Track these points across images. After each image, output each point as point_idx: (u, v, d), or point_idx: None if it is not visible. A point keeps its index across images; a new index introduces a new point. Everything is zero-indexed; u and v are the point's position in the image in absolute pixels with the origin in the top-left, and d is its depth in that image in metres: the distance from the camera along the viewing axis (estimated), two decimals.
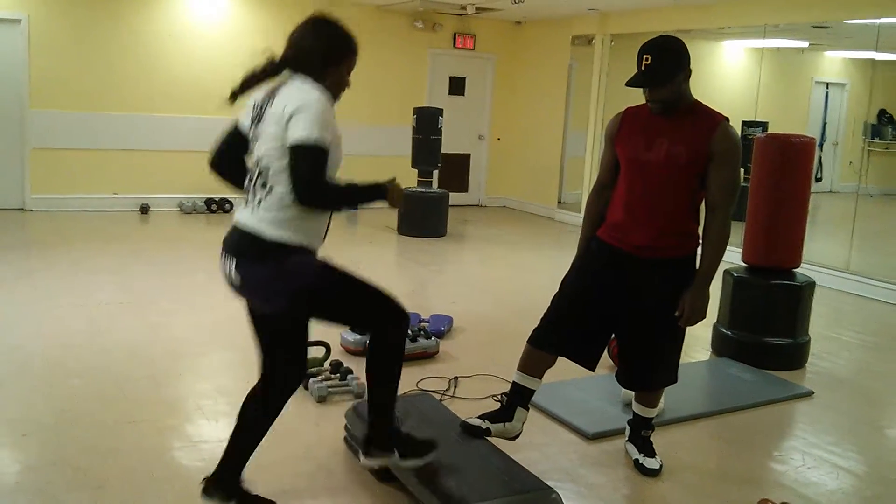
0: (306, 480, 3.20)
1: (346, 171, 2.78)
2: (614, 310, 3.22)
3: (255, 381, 2.85)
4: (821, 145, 9.43)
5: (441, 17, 10.83)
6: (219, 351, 4.77)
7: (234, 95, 2.62)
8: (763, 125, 8.51)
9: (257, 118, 2.61)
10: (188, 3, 9.42)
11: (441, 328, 5.10)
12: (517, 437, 3.31)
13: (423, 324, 5.12)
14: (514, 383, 3.33)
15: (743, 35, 9.19)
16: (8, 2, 8.60)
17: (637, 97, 3.17)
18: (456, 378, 4.40)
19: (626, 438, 3.62)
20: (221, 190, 9.44)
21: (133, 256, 7.07)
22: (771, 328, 4.94)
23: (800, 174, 4.98)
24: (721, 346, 5.13)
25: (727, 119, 3.09)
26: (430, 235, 8.89)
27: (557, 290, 3.33)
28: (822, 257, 7.53)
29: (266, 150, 2.55)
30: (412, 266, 7.68)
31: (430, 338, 4.76)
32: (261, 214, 2.56)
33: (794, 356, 4.98)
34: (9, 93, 8.78)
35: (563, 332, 3.26)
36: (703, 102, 3.15)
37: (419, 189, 9.09)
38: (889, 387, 4.93)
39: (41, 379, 4.14)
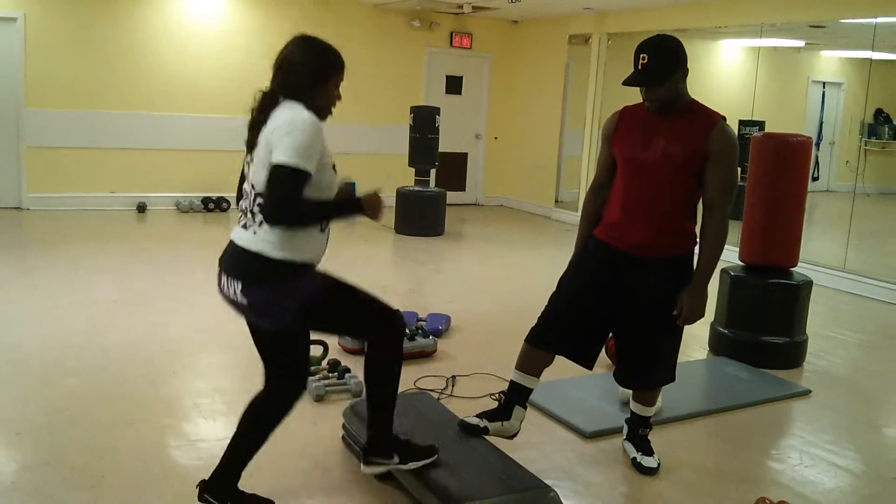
0: (303, 479, 3.20)
1: (343, 169, 2.79)
2: (612, 309, 3.23)
3: (259, 387, 2.86)
4: (817, 144, 9.44)
5: (438, 15, 10.83)
6: (217, 350, 4.77)
7: (250, 146, 2.63)
8: (760, 124, 8.52)
9: (251, 144, 2.63)
10: (185, 2, 9.40)
11: (439, 327, 5.10)
12: (515, 435, 3.32)
13: (420, 323, 5.12)
14: (511, 382, 3.33)
15: (740, 34, 9.20)
16: (4, 0, 8.58)
17: (634, 96, 3.17)
18: (454, 377, 4.40)
19: (624, 437, 3.62)
20: (219, 189, 9.55)
21: (130, 255, 7.06)
22: (768, 327, 4.94)
23: (796, 173, 4.99)
24: (718, 344, 5.14)
25: (724, 118, 3.09)
26: (427, 234, 8.89)
27: (555, 289, 3.33)
28: (819, 256, 7.54)
29: (256, 173, 2.57)
30: (409, 265, 7.68)
31: (428, 337, 4.76)
32: (263, 236, 2.56)
33: (792, 355, 4.99)
34: (5, 91, 8.76)
35: (561, 331, 3.26)
36: (700, 101, 3.15)
37: (416, 188, 9.10)
38: (886, 385, 4.94)
39: (39, 378, 4.13)
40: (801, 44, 9.42)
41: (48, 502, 2.92)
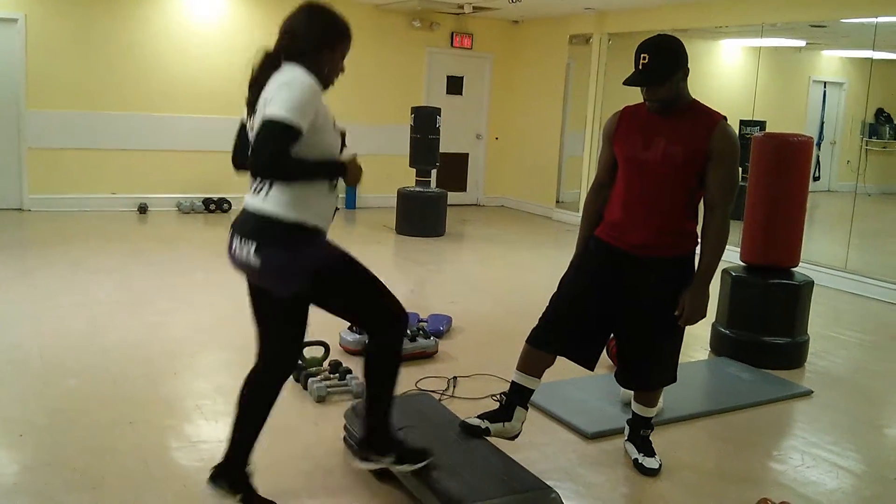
0: (305, 480, 3.19)
1: None
2: (613, 309, 3.22)
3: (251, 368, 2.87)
4: (818, 144, 9.44)
5: (438, 16, 10.83)
6: (217, 350, 4.77)
7: (250, 106, 2.63)
8: (761, 124, 8.51)
9: (253, 108, 2.61)
10: (186, 3, 9.41)
11: (440, 328, 5.10)
12: (516, 436, 3.31)
13: (421, 323, 5.12)
14: (513, 383, 3.33)
15: (740, 34, 9.19)
16: (5, 1, 8.59)
17: (635, 96, 3.17)
18: (455, 378, 4.40)
19: (626, 438, 3.62)
20: (220, 189, 9.55)
21: (131, 256, 7.06)
22: (769, 327, 4.94)
23: (797, 173, 4.98)
24: (720, 345, 5.13)
25: (725, 118, 3.09)
26: (428, 235, 8.89)
27: (556, 289, 3.32)
28: (821, 256, 7.54)
29: None
30: (410, 266, 7.68)
31: (429, 337, 4.76)
32: (274, 199, 2.56)
33: (793, 355, 4.98)
34: (6, 92, 8.76)
35: (562, 331, 3.25)
36: (701, 101, 3.15)
37: (417, 188, 9.09)
38: (888, 386, 4.93)
39: (39, 378, 4.13)
40: (802, 43, 9.42)
41: None
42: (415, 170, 9.11)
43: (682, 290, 3.11)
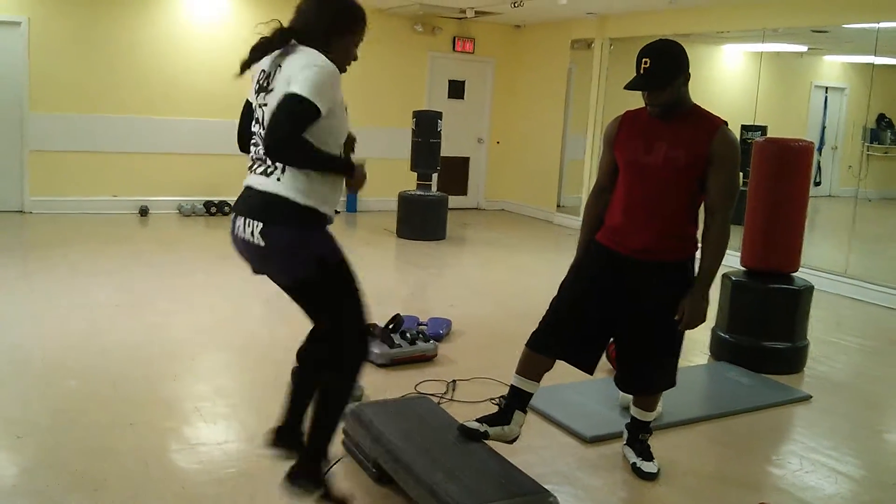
0: None
1: None
2: (613, 313, 3.22)
3: (303, 342, 2.79)
4: (820, 149, 9.44)
5: (441, 20, 10.85)
6: (217, 352, 4.77)
7: (244, 66, 2.58)
8: (762, 129, 8.52)
9: (265, 87, 2.58)
10: (188, 6, 9.43)
11: (440, 331, 5.10)
12: (515, 440, 3.31)
13: (421, 327, 5.12)
14: (512, 387, 3.33)
15: (742, 39, 9.20)
16: (8, 4, 8.61)
17: (636, 101, 3.17)
18: (454, 381, 4.40)
19: (624, 442, 3.61)
20: (221, 192, 9.56)
21: (132, 258, 7.07)
22: (769, 332, 4.94)
23: (798, 178, 4.99)
24: (719, 349, 5.13)
25: (726, 123, 3.09)
26: (429, 239, 8.89)
27: (556, 293, 3.33)
28: (821, 261, 7.54)
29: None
30: (411, 269, 7.68)
31: (429, 341, 4.76)
32: (287, 183, 2.51)
33: (793, 360, 4.98)
34: (8, 95, 8.78)
35: (562, 335, 3.26)
36: (702, 106, 3.15)
37: (418, 192, 9.10)
38: (887, 391, 4.93)
39: (40, 379, 4.14)
40: (804, 49, 9.43)
41: None
42: (416, 173, 9.12)
43: (683, 294, 3.11)
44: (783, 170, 4.94)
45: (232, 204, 9.79)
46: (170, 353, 4.65)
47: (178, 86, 9.45)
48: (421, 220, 8.95)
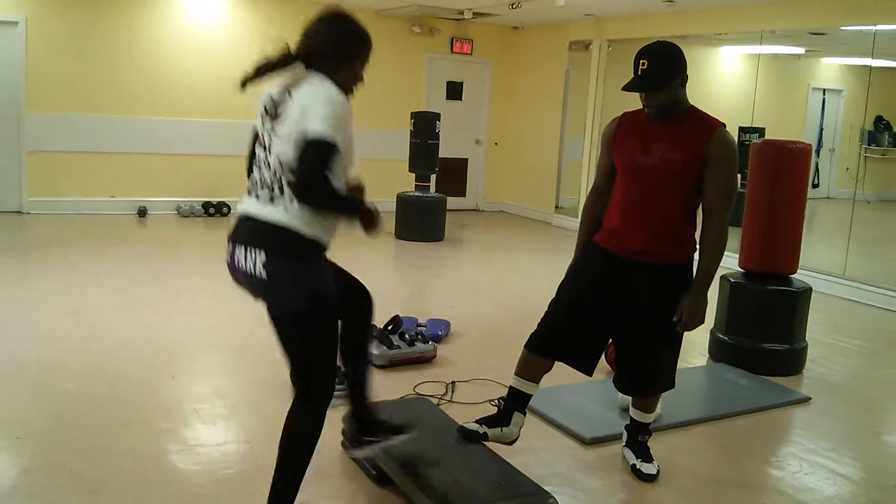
0: (304, 485, 3.17)
1: None
2: (611, 315, 3.23)
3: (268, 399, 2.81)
4: (817, 151, 9.45)
5: (438, 21, 10.85)
6: (215, 353, 4.77)
7: (246, 82, 2.57)
8: (760, 131, 8.52)
9: (273, 113, 2.56)
10: (186, 6, 9.43)
11: (438, 332, 5.10)
12: (514, 441, 3.31)
13: (420, 328, 5.12)
14: (511, 388, 3.33)
15: (739, 41, 9.21)
16: (5, 4, 8.61)
17: (634, 102, 3.18)
18: (453, 382, 4.40)
19: (623, 443, 3.62)
20: (219, 193, 9.55)
21: (130, 259, 7.06)
22: (768, 334, 4.94)
23: (796, 180, 4.99)
24: (718, 351, 5.14)
25: (724, 124, 3.09)
26: (427, 240, 8.89)
27: (554, 295, 3.33)
28: (819, 263, 7.54)
29: (284, 149, 2.48)
30: (410, 270, 7.68)
31: (428, 342, 4.76)
32: (294, 212, 2.48)
33: (791, 362, 4.99)
34: (6, 95, 8.77)
35: (561, 337, 3.26)
36: (700, 108, 3.16)
37: (417, 193, 9.10)
38: (886, 392, 4.93)
39: (37, 381, 4.13)
40: (802, 51, 9.44)
41: None
42: (414, 175, 9.12)
43: (681, 296, 3.11)
44: (781, 172, 4.94)
45: (230, 206, 9.80)
46: (168, 353, 4.65)
47: (176, 86, 9.44)
48: (419, 222, 8.95)
